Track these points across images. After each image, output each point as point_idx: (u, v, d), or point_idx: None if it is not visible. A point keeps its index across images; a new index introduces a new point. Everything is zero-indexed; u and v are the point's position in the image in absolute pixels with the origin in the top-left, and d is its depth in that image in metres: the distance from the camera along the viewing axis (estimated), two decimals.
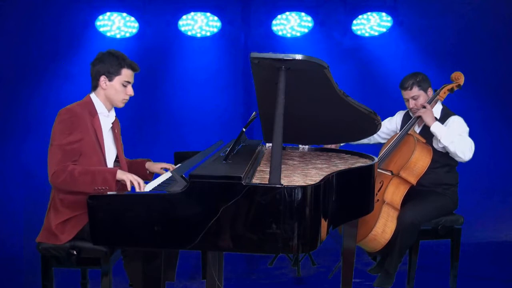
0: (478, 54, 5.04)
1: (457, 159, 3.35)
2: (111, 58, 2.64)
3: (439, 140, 3.31)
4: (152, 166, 3.00)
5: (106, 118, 2.69)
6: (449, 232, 3.37)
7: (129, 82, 2.68)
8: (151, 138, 5.07)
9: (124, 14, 4.94)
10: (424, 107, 3.39)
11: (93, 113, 2.62)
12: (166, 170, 2.95)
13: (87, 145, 2.53)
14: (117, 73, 2.64)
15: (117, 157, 2.78)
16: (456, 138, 3.28)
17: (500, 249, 4.69)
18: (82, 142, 2.50)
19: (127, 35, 5.00)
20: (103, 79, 2.64)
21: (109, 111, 2.71)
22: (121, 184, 2.43)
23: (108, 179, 2.37)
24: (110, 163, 2.69)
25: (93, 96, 2.67)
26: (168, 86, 5.17)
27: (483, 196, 5.02)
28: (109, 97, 2.67)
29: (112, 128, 2.75)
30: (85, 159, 2.52)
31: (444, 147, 3.34)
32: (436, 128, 3.32)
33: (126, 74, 2.67)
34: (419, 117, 3.42)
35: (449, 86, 3.52)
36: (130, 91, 2.70)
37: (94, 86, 2.68)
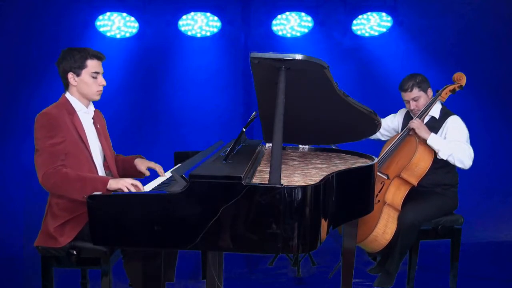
0: (478, 54, 5.05)
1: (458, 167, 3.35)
2: (73, 53, 2.58)
3: (437, 153, 3.30)
4: (140, 163, 2.88)
5: (86, 115, 2.66)
6: (449, 232, 3.37)
7: (98, 73, 2.62)
8: (151, 138, 5.07)
9: (124, 14, 4.94)
10: (415, 120, 3.37)
11: (71, 111, 2.58)
12: (150, 169, 2.88)
13: (71, 145, 2.49)
14: (83, 66, 2.58)
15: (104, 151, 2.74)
16: (454, 149, 3.26)
17: (500, 249, 4.69)
18: (66, 143, 2.47)
19: (127, 35, 5.01)
20: (71, 75, 2.59)
21: (87, 106, 2.67)
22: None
23: (98, 188, 2.34)
24: (96, 159, 2.66)
25: (68, 95, 2.64)
26: (168, 86, 5.18)
27: (483, 196, 5.02)
28: (82, 92, 2.62)
29: (94, 123, 2.72)
30: (72, 159, 2.49)
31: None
32: (432, 141, 3.30)
33: (92, 64, 2.60)
34: (413, 129, 3.39)
35: (451, 87, 3.51)
36: (101, 81, 2.64)
37: (66, 85, 2.64)
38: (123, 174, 2.86)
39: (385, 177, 3.38)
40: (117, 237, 2.13)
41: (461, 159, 3.27)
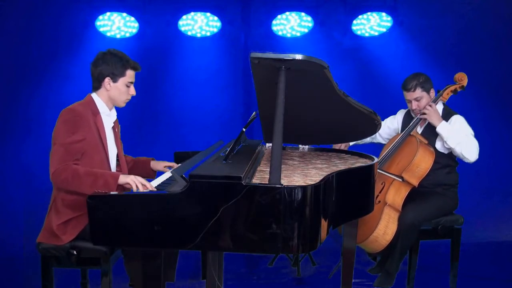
0: (478, 54, 5.04)
1: (464, 160, 3.34)
2: (115, 59, 2.63)
3: (445, 141, 3.30)
4: (156, 165, 3.02)
5: (108, 117, 2.69)
6: (449, 232, 3.37)
7: (132, 83, 2.69)
8: (151, 138, 5.07)
9: (124, 14, 4.94)
10: (430, 105, 3.38)
11: (95, 112, 2.62)
12: (170, 168, 2.96)
13: (90, 145, 2.52)
14: (122, 74, 2.64)
15: (117, 156, 2.78)
16: (462, 138, 3.27)
17: (500, 249, 4.69)
18: (85, 142, 2.49)
19: (127, 35, 5.00)
20: (107, 80, 2.63)
21: (110, 110, 2.71)
22: (121, 187, 2.42)
23: (109, 183, 2.36)
24: (112, 162, 2.69)
25: (94, 95, 2.66)
26: (168, 86, 5.18)
27: (483, 196, 5.02)
28: (113, 97, 2.67)
29: (113, 127, 2.75)
30: (88, 159, 2.51)
31: (449, 148, 3.34)
32: (442, 129, 3.31)
33: (130, 75, 2.68)
34: (424, 118, 3.40)
35: (453, 87, 3.51)
36: (133, 91, 2.71)
37: (97, 87, 2.67)
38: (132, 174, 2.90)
39: (400, 180, 3.36)
40: (117, 237, 2.13)
41: (468, 150, 3.27)
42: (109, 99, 2.68)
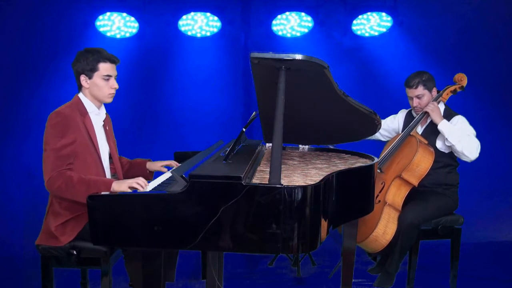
0: (478, 54, 5.04)
1: (463, 158, 3.34)
2: (87, 55, 2.58)
3: (446, 138, 3.31)
4: (153, 165, 2.99)
5: (97, 116, 2.67)
6: (449, 232, 3.37)
7: (110, 76, 2.62)
8: (151, 138, 5.07)
9: (124, 14, 4.95)
10: (432, 103, 3.39)
11: (83, 112, 2.59)
12: (168, 167, 2.95)
13: (80, 146, 2.51)
14: (95, 69, 2.58)
15: (110, 155, 2.77)
16: (463, 136, 3.28)
17: (500, 249, 4.69)
18: (75, 144, 2.48)
19: (127, 35, 5.01)
20: (83, 78, 2.59)
21: (98, 108, 2.68)
22: None
23: (101, 191, 2.35)
24: (104, 161, 2.68)
25: (81, 95, 2.64)
26: (168, 86, 5.18)
27: (483, 196, 5.02)
28: (94, 94, 2.63)
29: (104, 126, 2.73)
30: (81, 160, 2.50)
31: (450, 146, 3.34)
32: (443, 126, 3.32)
33: (105, 67, 2.59)
34: (426, 113, 3.41)
35: (452, 88, 3.52)
36: (113, 84, 2.63)
37: (79, 86, 2.65)
38: (131, 177, 2.89)
39: (379, 171, 3.38)
40: (117, 237, 2.13)
41: (468, 148, 3.27)
42: (93, 97, 2.64)
